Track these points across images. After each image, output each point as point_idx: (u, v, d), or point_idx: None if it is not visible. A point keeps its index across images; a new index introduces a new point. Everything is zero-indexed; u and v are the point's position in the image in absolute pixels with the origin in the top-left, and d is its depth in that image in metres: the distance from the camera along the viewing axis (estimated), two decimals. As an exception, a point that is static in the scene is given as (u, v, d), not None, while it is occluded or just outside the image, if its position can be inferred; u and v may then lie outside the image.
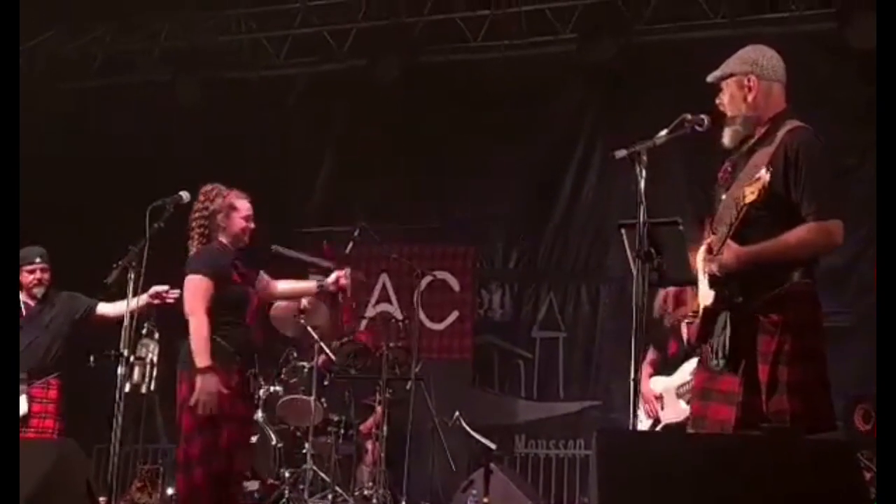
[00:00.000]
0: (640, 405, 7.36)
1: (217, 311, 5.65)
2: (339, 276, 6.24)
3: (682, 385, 6.67)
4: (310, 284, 6.30)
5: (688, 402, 6.42)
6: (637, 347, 4.06)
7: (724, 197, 4.31)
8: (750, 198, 3.88)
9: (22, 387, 7.24)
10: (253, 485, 8.06)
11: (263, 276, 6.06)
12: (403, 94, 9.87)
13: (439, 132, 9.84)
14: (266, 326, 6.04)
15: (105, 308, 7.38)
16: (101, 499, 5.28)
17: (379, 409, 8.50)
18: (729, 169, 4.36)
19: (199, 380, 5.45)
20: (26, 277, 7.17)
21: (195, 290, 5.63)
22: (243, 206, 5.88)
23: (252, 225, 5.88)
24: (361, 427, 8.51)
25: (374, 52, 9.84)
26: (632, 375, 4.09)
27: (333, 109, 10.38)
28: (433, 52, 9.96)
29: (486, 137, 9.70)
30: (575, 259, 9.74)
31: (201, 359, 5.48)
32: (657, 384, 6.95)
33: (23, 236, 8.17)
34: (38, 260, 7.43)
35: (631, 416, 4.11)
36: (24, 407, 7.24)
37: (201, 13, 10.35)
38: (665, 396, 6.85)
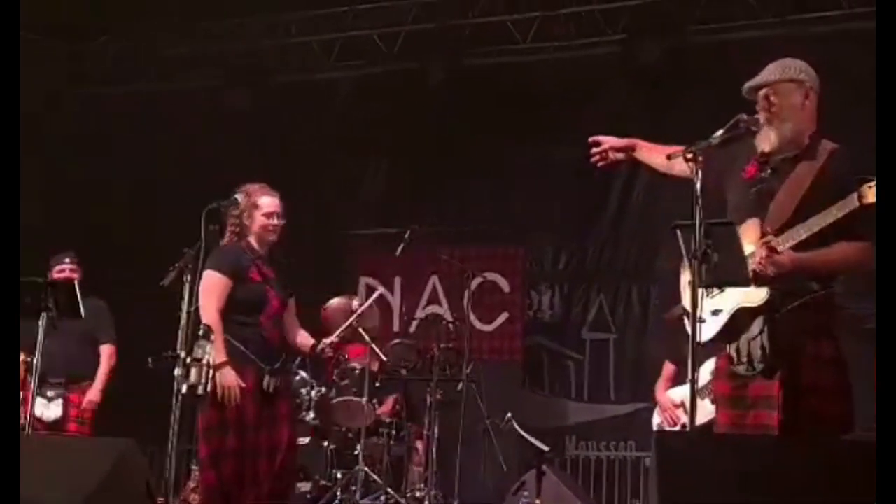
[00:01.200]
0: (659, 414, 7.36)
1: (232, 309, 5.73)
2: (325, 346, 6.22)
3: (704, 386, 6.62)
4: (307, 344, 6.19)
5: (713, 402, 6.36)
6: (694, 349, 4.03)
7: (751, 197, 4.32)
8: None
9: (59, 391, 7.37)
10: (305, 486, 8.12)
11: (292, 305, 6.10)
12: (452, 96, 9.89)
13: (488, 134, 9.83)
14: (281, 328, 5.99)
15: (105, 353, 7.61)
16: (159, 499, 5.33)
17: (391, 398, 8.54)
18: (763, 173, 4.34)
19: (217, 376, 5.54)
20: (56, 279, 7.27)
21: (207, 287, 5.72)
22: (266, 203, 5.90)
23: (276, 221, 5.89)
24: (378, 411, 8.48)
25: (423, 55, 9.87)
26: (689, 377, 4.07)
27: (382, 112, 10.40)
28: (481, 54, 9.97)
29: (536, 139, 9.68)
30: (625, 260, 9.71)
31: (216, 355, 5.58)
32: (676, 393, 6.95)
33: (75, 241, 8.33)
34: (66, 261, 7.64)
35: (689, 417, 4.09)
36: (58, 411, 7.36)
37: (251, 18, 10.43)
38: (686, 402, 6.80)
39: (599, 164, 4.90)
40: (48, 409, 7.37)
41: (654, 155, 4.78)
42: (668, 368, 7.46)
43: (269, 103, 10.35)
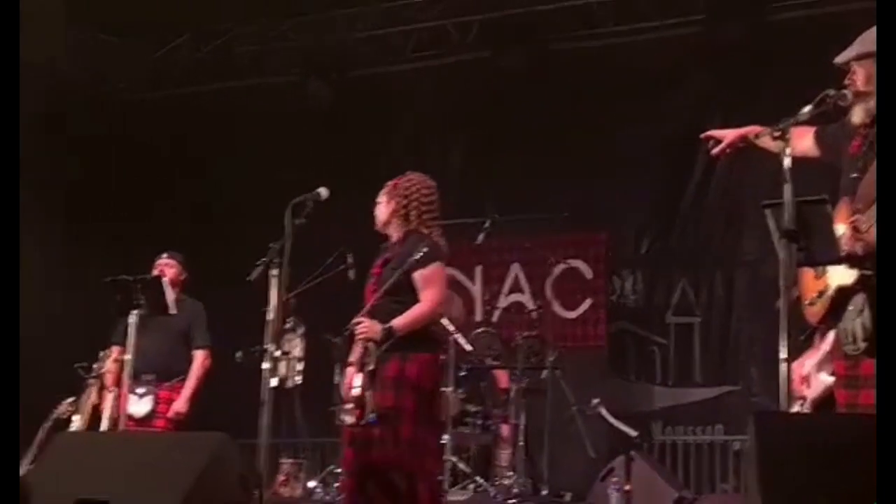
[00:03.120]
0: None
1: None
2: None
3: (825, 357, 6.53)
4: None
5: (830, 374, 6.27)
6: (787, 328, 3.98)
7: (854, 175, 4.25)
8: None
9: (149, 387, 7.45)
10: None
11: (416, 278, 5.56)
12: (529, 83, 9.85)
13: (568, 120, 9.77)
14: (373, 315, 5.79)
15: (198, 358, 7.64)
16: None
17: (503, 372, 8.54)
18: (864, 147, 4.27)
19: None
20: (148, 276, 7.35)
21: None
22: None
23: (376, 213, 5.84)
24: (501, 386, 8.47)
25: (500, 43, 9.86)
26: (781, 356, 4.02)
27: (461, 102, 10.41)
28: (559, 39, 9.90)
29: (616, 123, 9.60)
30: (708, 242, 9.61)
31: None
32: (804, 366, 6.82)
33: (160, 239, 8.47)
34: (164, 256, 7.74)
35: (782, 397, 4.05)
36: (147, 406, 7.43)
37: (326, 13, 10.50)
38: (811, 374, 6.72)
39: (720, 156, 4.84)
40: (138, 405, 7.38)
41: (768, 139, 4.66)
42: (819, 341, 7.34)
43: (347, 97, 10.41)
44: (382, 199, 5.81)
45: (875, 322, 4.04)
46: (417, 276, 5.52)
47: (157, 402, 7.49)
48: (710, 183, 9.52)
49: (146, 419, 7.43)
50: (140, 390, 7.38)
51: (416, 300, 5.51)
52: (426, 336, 5.59)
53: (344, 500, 5.56)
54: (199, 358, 7.68)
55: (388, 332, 5.37)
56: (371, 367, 5.30)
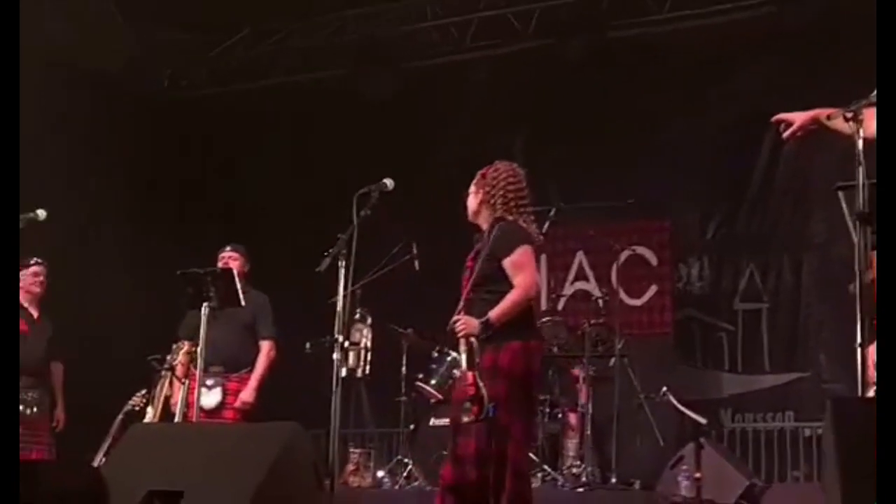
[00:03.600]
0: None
1: None
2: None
3: None
4: None
5: None
6: (862, 312, 3.93)
7: None
8: None
9: (217, 379, 7.49)
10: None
11: (508, 264, 5.47)
12: (589, 71, 9.80)
13: (631, 107, 9.72)
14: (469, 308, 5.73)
15: (265, 349, 7.65)
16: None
17: (577, 369, 8.50)
18: None
19: None
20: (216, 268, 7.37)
21: None
22: None
23: (467, 204, 5.78)
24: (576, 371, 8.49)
25: (561, 31, 9.81)
26: (857, 341, 3.98)
27: (522, 91, 10.37)
28: (621, 26, 9.83)
29: (678, 108, 9.55)
30: (775, 227, 9.51)
31: None
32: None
33: (223, 235, 8.55)
34: (227, 249, 7.75)
35: (859, 383, 4.00)
36: (216, 398, 7.47)
37: (386, 4, 10.52)
38: None
39: (791, 139, 4.78)
40: (207, 396, 7.34)
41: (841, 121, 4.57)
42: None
43: (408, 87, 10.41)
44: (472, 189, 5.79)
45: None
46: (507, 263, 5.43)
47: (225, 394, 7.52)
48: (778, 166, 9.42)
49: (215, 410, 7.45)
50: (209, 382, 7.39)
51: (509, 288, 5.40)
52: (518, 323, 5.42)
53: (442, 490, 5.51)
54: (265, 348, 7.70)
55: (486, 325, 5.31)
56: (477, 362, 5.26)
